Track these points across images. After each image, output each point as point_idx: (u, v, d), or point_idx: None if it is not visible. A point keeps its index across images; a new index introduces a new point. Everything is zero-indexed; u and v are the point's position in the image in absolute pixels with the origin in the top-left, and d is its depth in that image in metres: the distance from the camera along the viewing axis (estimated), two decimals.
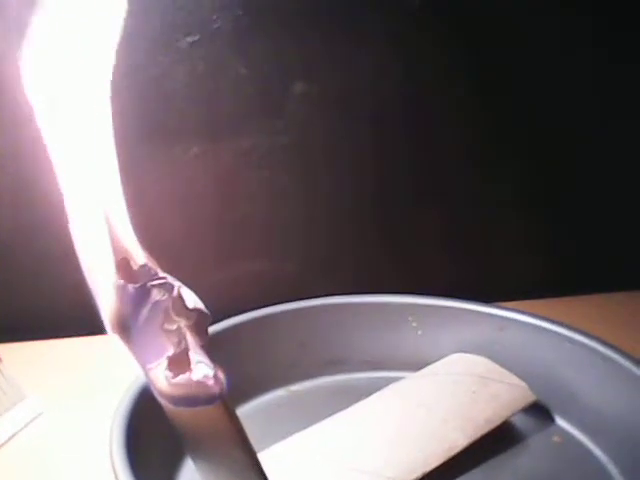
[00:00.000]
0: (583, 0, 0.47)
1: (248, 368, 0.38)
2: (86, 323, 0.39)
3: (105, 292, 0.19)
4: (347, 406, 0.37)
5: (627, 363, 0.35)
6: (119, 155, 0.24)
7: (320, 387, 0.42)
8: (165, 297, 0.19)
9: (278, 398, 0.41)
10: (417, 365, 0.40)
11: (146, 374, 0.20)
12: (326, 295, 0.43)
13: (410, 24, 0.47)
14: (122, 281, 0.19)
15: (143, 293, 0.19)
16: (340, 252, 0.52)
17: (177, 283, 0.19)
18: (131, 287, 0.19)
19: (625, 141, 0.51)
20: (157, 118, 0.47)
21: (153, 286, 0.19)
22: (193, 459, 0.26)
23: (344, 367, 0.42)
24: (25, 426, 0.38)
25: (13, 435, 0.38)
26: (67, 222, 0.22)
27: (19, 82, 0.20)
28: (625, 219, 0.52)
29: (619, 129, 0.50)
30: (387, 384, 0.39)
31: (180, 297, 0.19)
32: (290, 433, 0.35)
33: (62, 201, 0.22)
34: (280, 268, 0.51)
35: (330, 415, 0.36)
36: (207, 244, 0.50)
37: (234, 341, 0.39)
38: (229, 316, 0.40)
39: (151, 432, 0.30)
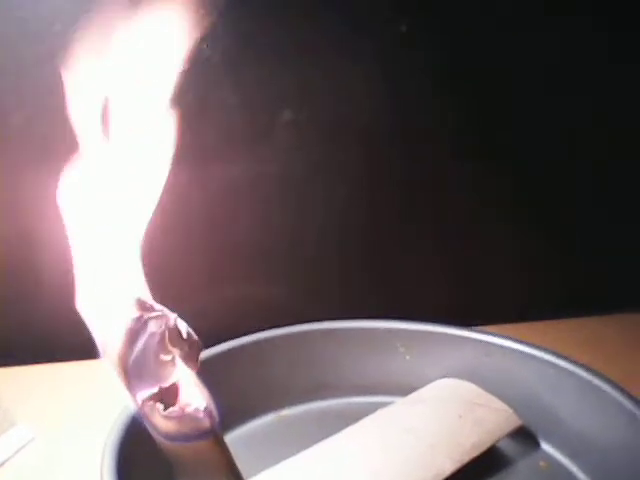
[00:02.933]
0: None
1: (237, 394, 0.39)
2: (78, 348, 0.39)
3: (102, 324, 0.19)
4: (336, 431, 0.37)
5: (609, 388, 0.36)
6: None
7: (309, 412, 0.42)
8: (161, 328, 0.19)
9: (267, 423, 0.41)
10: (405, 390, 0.41)
11: (139, 408, 0.20)
12: (314, 320, 0.43)
13: (398, 50, 0.47)
14: (119, 313, 0.19)
15: (139, 325, 0.19)
16: (328, 277, 0.52)
17: (173, 314, 0.20)
18: (128, 319, 0.19)
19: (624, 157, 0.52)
20: None
21: (149, 318, 0.19)
22: None
23: (333, 392, 0.43)
24: (15, 453, 0.38)
25: (4, 462, 0.37)
26: (61, 250, 0.22)
27: None
28: (616, 243, 0.53)
29: (620, 145, 0.51)
30: (376, 409, 0.39)
31: (176, 327, 0.20)
32: (279, 458, 0.35)
33: (59, 229, 0.23)
34: (268, 294, 0.51)
35: (319, 440, 0.37)
36: (195, 270, 0.50)
37: (222, 367, 0.39)
38: (217, 342, 0.40)
39: (142, 459, 0.30)
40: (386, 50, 0.47)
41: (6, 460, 0.38)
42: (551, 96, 0.50)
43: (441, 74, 0.48)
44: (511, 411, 0.38)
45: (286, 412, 0.42)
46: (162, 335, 0.20)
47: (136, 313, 0.19)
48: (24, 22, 0.43)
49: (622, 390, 0.36)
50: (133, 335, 0.19)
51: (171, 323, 0.20)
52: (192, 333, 0.21)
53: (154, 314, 0.20)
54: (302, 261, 0.52)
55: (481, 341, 0.41)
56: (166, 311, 0.20)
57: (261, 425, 0.41)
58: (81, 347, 0.28)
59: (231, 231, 0.50)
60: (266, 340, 0.42)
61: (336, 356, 0.43)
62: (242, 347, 0.41)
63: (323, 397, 0.43)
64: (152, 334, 0.19)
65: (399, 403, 0.40)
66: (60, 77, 0.23)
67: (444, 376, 0.42)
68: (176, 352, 0.20)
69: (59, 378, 0.45)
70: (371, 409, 0.39)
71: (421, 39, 0.47)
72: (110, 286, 0.20)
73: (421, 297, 0.52)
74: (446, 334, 0.42)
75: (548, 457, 0.38)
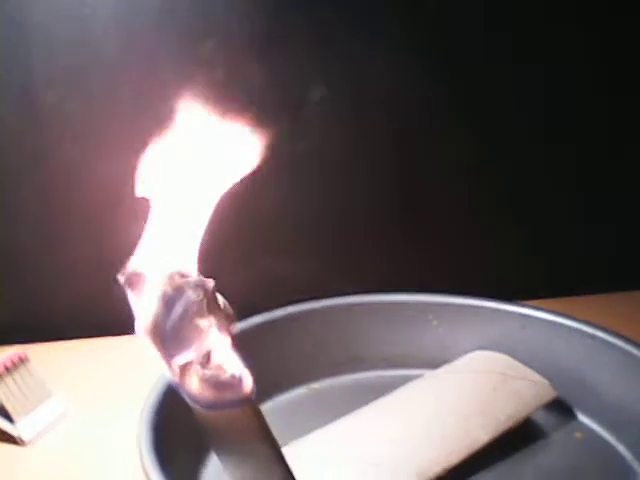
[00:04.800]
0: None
1: (269, 367, 0.39)
2: (110, 324, 0.40)
3: (142, 296, 0.19)
4: (367, 403, 0.37)
5: None
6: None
7: (340, 385, 0.42)
8: (199, 296, 0.19)
9: (299, 396, 0.41)
10: (437, 363, 0.41)
11: (176, 375, 0.20)
12: (344, 294, 0.43)
13: (426, 29, 0.47)
14: (159, 282, 0.19)
15: (177, 291, 0.19)
16: (359, 251, 0.52)
17: (210, 283, 0.20)
18: (166, 286, 0.19)
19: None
20: None
21: (188, 285, 0.19)
22: (218, 454, 0.26)
23: (364, 365, 0.43)
24: (52, 424, 0.39)
25: (40, 432, 0.38)
26: (90, 229, 0.22)
27: None
28: None
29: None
30: (407, 382, 0.39)
31: (213, 295, 0.20)
32: (311, 430, 0.35)
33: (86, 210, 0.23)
34: (298, 268, 0.51)
35: (350, 412, 0.37)
36: (226, 245, 0.50)
37: (255, 340, 0.39)
38: (249, 316, 0.40)
39: (177, 428, 0.31)
40: (416, 28, 0.47)
41: (43, 430, 0.38)
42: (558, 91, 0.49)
43: (466, 50, 0.47)
44: (547, 382, 0.38)
45: (317, 385, 0.42)
46: (200, 302, 0.19)
47: (174, 281, 0.19)
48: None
49: None
50: (170, 301, 0.19)
51: (209, 291, 0.19)
52: (227, 304, 0.21)
53: (192, 282, 0.19)
54: (332, 235, 0.51)
55: (515, 313, 0.41)
56: (204, 280, 0.20)
57: (292, 398, 0.41)
58: (115, 323, 0.29)
59: (260, 207, 0.50)
60: (297, 314, 0.42)
61: (367, 329, 0.43)
62: (272, 321, 0.41)
63: (354, 370, 0.43)
64: (190, 301, 0.19)
65: (432, 374, 0.40)
66: None
67: (478, 349, 0.41)
68: (212, 320, 0.20)
69: (94, 353, 0.46)
70: (402, 382, 0.39)
71: (452, 17, 0.46)
72: (155, 257, 0.20)
73: (455, 271, 0.51)
74: (479, 306, 0.42)
75: (584, 428, 0.38)
